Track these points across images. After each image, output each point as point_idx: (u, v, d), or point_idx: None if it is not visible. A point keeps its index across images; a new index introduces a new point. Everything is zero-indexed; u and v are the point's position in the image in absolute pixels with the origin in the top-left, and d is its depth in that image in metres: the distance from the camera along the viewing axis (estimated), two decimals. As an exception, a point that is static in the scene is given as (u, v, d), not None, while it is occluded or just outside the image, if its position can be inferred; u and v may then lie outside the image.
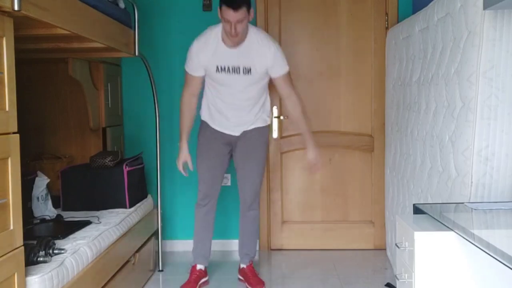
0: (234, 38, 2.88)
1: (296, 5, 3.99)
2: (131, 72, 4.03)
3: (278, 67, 3.03)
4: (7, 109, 1.81)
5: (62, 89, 3.57)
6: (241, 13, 2.79)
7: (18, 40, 1.93)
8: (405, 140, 3.19)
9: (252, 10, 2.87)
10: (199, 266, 3.33)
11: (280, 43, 3.99)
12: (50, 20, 2.05)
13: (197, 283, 3.28)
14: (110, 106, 3.75)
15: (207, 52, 2.98)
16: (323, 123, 4.04)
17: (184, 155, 3.18)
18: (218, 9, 2.86)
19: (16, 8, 1.77)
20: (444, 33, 2.53)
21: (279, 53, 3.01)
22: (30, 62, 3.35)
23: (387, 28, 3.92)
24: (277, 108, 4.01)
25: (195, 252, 3.35)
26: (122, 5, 3.06)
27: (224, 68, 2.98)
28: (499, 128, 2.19)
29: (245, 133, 3.19)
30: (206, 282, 3.36)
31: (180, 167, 3.19)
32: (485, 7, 2.06)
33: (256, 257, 3.91)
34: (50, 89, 3.57)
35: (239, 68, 2.98)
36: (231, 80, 3.01)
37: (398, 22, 3.80)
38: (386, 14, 3.96)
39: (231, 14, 2.78)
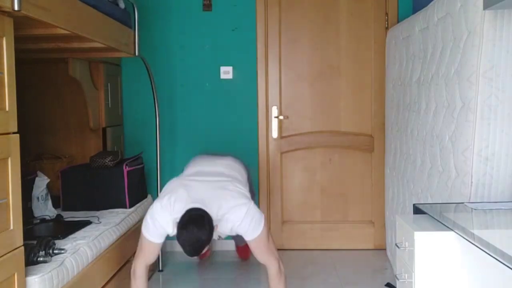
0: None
1: (296, 4, 4.00)
2: (131, 72, 4.03)
3: (246, 234, 2.54)
4: (7, 109, 1.81)
5: (62, 89, 3.57)
6: (204, 249, 2.39)
7: (18, 40, 1.93)
8: (405, 140, 3.19)
9: (216, 227, 2.43)
10: None
11: (280, 43, 4.00)
12: (50, 20, 2.06)
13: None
14: (110, 106, 3.75)
15: (174, 228, 2.45)
16: (323, 123, 4.04)
17: None
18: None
19: (16, 8, 1.77)
20: (444, 33, 2.53)
21: (245, 224, 2.48)
22: (30, 62, 3.35)
23: (387, 28, 3.92)
24: (276, 108, 4.01)
25: None
26: (122, 5, 3.06)
27: None
28: (499, 128, 2.19)
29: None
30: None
31: None
32: (485, 7, 2.06)
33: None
34: (50, 89, 3.57)
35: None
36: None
37: (398, 22, 3.81)
38: (386, 14, 3.96)
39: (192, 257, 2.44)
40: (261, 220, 2.55)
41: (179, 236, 2.32)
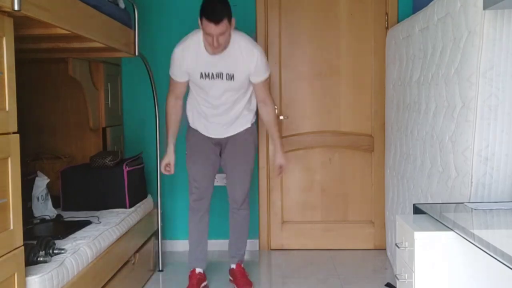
0: (216, 50, 2.85)
1: (296, 5, 4.00)
2: (131, 72, 4.03)
3: (259, 74, 3.01)
4: (7, 109, 1.81)
5: (62, 89, 3.56)
6: (223, 25, 2.74)
7: (18, 40, 1.93)
8: (405, 140, 3.19)
9: (233, 20, 2.84)
10: (198, 270, 3.27)
11: (280, 43, 4.01)
12: (50, 20, 2.05)
13: (200, 286, 3.24)
14: (110, 106, 3.75)
15: (189, 59, 2.97)
16: (323, 123, 4.04)
17: (169, 157, 3.16)
18: (199, 20, 2.81)
19: (16, 8, 1.76)
20: (444, 33, 2.53)
21: (261, 60, 2.98)
22: (30, 62, 3.35)
23: (387, 28, 3.92)
24: (276, 108, 4.01)
25: (193, 256, 3.29)
26: (122, 5, 3.06)
27: (208, 75, 2.96)
28: (499, 128, 2.19)
29: (233, 135, 3.19)
30: (206, 287, 3.31)
31: (163, 168, 3.18)
32: (485, 7, 2.06)
33: (256, 257, 3.91)
34: (50, 89, 3.57)
35: (222, 74, 2.96)
36: (214, 86, 2.99)
37: (398, 22, 3.80)
38: (386, 14, 3.96)
39: (212, 28, 2.73)
40: (268, 67, 3.08)
41: (203, 5, 2.78)
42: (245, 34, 3.01)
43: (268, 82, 3.14)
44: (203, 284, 3.27)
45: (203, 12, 2.77)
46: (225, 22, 2.74)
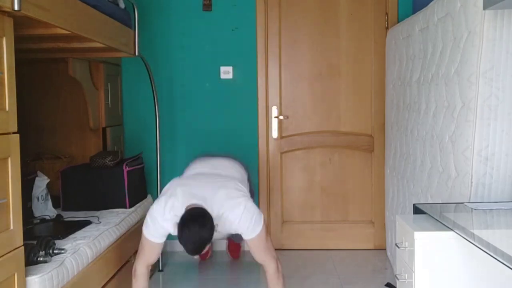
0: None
1: (296, 5, 4.00)
2: (131, 72, 4.03)
3: (245, 233, 2.54)
4: (7, 109, 1.81)
5: (62, 89, 3.57)
6: (204, 249, 2.38)
7: (18, 40, 1.93)
8: (405, 140, 3.19)
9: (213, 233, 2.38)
10: None
11: (280, 43, 4.00)
12: (50, 20, 2.05)
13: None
14: (110, 106, 3.75)
15: (174, 228, 2.43)
16: (323, 123, 4.04)
17: None
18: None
19: (16, 8, 1.76)
20: (444, 33, 2.53)
21: (244, 223, 2.49)
22: (30, 62, 3.35)
23: (387, 28, 3.92)
24: (276, 108, 4.01)
25: None
26: (122, 5, 3.06)
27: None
28: (499, 128, 2.19)
29: None
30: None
31: None
32: (485, 7, 2.06)
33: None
34: (50, 89, 3.57)
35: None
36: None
37: (398, 22, 3.81)
38: (386, 14, 3.96)
39: (193, 255, 2.41)
40: (260, 220, 2.54)
41: (180, 236, 2.32)
42: (225, 203, 2.49)
43: (265, 238, 2.57)
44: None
45: (180, 241, 2.33)
46: (206, 247, 2.38)
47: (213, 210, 2.41)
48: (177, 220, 2.37)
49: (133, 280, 2.57)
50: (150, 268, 2.63)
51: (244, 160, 3.30)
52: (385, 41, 3.88)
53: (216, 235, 2.44)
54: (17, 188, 1.86)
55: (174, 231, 2.42)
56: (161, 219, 2.48)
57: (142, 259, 2.56)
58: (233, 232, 2.57)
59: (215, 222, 2.39)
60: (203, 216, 2.35)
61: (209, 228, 2.34)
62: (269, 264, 2.59)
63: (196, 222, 2.32)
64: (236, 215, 2.47)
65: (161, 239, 2.56)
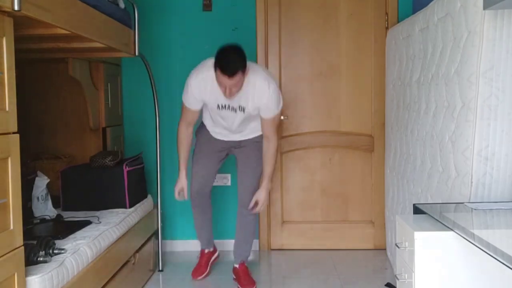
0: (229, 97, 2.89)
1: (296, 5, 4.00)
2: (131, 72, 4.03)
3: (268, 111, 3.03)
4: (7, 109, 1.81)
5: (62, 89, 3.56)
6: (236, 78, 2.76)
7: (18, 40, 1.93)
8: (405, 140, 3.19)
9: (248, 65, 2.84)
10: (206, 250, 3.53)
11: (280, 43, 4.00)
12: (50, 20, 2.05)
13: (208, 264, 3.51)
14: (110, 106, 3.75)
15: (205, 91, 2.98)
16: (323, 123, 4.04)
17: (181, 183, 3.22)
18: (213, 66, 2.81)
19: (16, 8, 1.76)
20: (444, 33, 2.53)
21: (273, 97, 2.98)
22: (30, 62, 3.34)
23: (387, 28, 3.92)
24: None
25: (200, 238, 3.52)
26: (122, 5, 3.06)
27: (224, 106, 3.02)
28: (499, 128, 2.19)
29: (244, 139, 3.27)
30: (217, 257, 3.62)
31: (176, 194, 3.23)
32: (485, 7, 2.06)
33: (256, 257, 3.92)
34: (50, 89, 3.57)
35: (235, 107, 3.01)
36: (229, 114, 3.06)
37: (398, 22, 3.80)
38: (386, 14, 3.96)
39: (226, 80, 2.76)
40: (281, 102, 3.06)
41: (217, 55, 2.76)
42: (260, 70, 3.02)
43: (278, 119, 3.13)
44: (213, 258, 3.58)
45: (217, 62, 2.77)
46: (239, 75, 2.76)
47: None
48: (208, 76, 2.88)
49: (178, 134, 3.18)
50: (190, 127, 3.18)
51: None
52: (385, 41, 3.88)
53: (236, 101, 2.95)
54: (17, 188, 1.86)
55: (204, 90, 2.94)
56: (193, 81, 2.95)
57: (183, 120, 3.16)
58: (255, 104, 2.95)
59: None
60: (241, 50, 2.79)
61: (244, 59, 2.78)
62: (273, 138, 3.11)
63: (234, 49, 2.78)
64: (267, 88, 2.92)
65: (196, 106, 3.08)
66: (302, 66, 4.03)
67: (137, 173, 3.42)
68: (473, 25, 2.20)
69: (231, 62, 2.75)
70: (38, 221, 2.78)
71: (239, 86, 2.85)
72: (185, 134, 3.17)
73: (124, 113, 4.08)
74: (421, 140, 2.86)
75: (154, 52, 3.95)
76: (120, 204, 3.20)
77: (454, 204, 2.22)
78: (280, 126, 4.03)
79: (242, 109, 3.01)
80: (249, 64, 2.88)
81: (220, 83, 2.82)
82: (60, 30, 2.23)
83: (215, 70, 2.78)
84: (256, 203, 3.18)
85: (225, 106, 3.02)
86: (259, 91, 2.94)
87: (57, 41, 2.66)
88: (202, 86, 2.97)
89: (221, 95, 2.91)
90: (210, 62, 2.87)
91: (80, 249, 2.38)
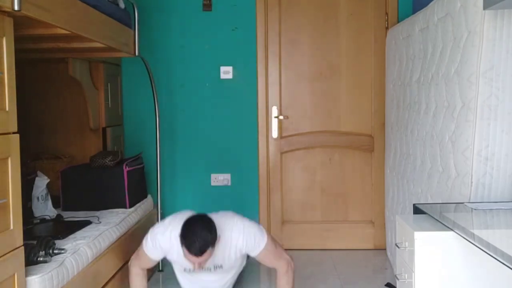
0: (198, 270, 2.46)
1: (296, 5, 4.00)
2: (131, 72, 4.03)
3: (255, 248, 2.56)
4: (7, 109, 1.81)
5: (62, 89, 3.57)
6: (206, 255, 2.35)
7: (18, 40, 1.93)
8: (405, 140, 3.19)
9: (218, 236, 2.39)
10: None
11: (280, 43, 4.00)
12: (50, 20, 2.05)
13: None
14: (110, 106, 3.75)
15: (171, 251, 2.54)
16: (323, 123, 4.04)
17: None
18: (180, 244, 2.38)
19: (16, 8, 1.77)
20: (444, 33, 2.53)
21: (248, 240, 2.52)
22: (30, 62, 3.34)
23: (387, 28, 3.92)
24: (276, 108, 4.01)
25: None
26: (122, 5, 3.06)
27: (193, 269, 2.52)
28: (499, 128, 2.19)
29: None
30: None
31: None
32: (485, 7, 2.06)
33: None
34: (50, 89, 3.57)
35: (209, 268, 2.59)
36: (201, 273, 2.63)
37: (398, 22, 3.80)
38: (386, 14, 3.96)
39: (194, 258, 2.35)
40: (263, 231, 2.58)
41: (183, 233, 2.34)
42: (228, 222, 2.53)
43: (271, 246, 2.59)
44: None
45: (183, 240, 2.34)
46: (208, 251, 2.34)
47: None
48: (176, 241, 2.39)
49: (130, 278, 2.65)
50: (145, 270, 2.68)
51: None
52: (385, 41, 3.88)
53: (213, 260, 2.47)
54: (17, 188, 1.86)
55: (171, 251, 2.49)
56: (160, 236, 2.51)
57: (137, 262, 2.64)
58: (238, 254, 2.55)
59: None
60: (208, 221, 2.39)
61: (213, 231, 2.36)
62: (280, 266, 2.63)
63: (201, 221, 2.38)
64: (238, 232, 2.50)
65: (157, 257, 2.62)
66: (302, 66, 4.03)
67: (137, 173, 3.42)
68: (473, 25, 2.20)
69: (198, 240, 2.30)
70: (38, 221, 2.78)
71: (210, 257, 2.41)
72: (138, 276, 2.63)
73: (124, 113, 4.08)
74: (421, 140, 2.86)
75: (154, 52, 3.96)
76: (120, 204, 3.20)
77: (454, 204, 2.22)
78: (280, 126, 4.03)
79: (219, 266, 2.60)
80: (217, 224, 2.42)
81: (188, 259, 2.39)
82: (60, 30, 2.23)
83: (181, 246, 2.35)
84: None
85: (194, 269, 2.51)
86: (235, 245, 2.52)
87: (57, 41, 2.66)
88: (168, 246, 2.52)
89: (189, 263, 2.45)
90: (177, 225, 2.43)
91: (80, 249, 2.38)
